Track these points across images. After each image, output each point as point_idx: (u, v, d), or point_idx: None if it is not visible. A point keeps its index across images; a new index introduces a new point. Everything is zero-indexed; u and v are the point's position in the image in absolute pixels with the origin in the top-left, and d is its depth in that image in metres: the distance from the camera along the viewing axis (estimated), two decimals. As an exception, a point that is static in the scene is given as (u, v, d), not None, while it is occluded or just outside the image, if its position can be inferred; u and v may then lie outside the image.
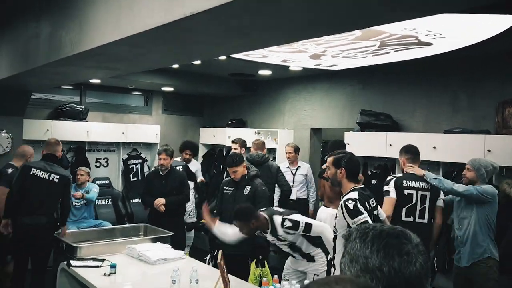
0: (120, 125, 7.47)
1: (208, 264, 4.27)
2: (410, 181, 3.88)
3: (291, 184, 5.95)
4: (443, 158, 4.75)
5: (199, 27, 2.28)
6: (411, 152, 4.07)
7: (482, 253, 3.69)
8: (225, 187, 4.52)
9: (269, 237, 3.55)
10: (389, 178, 4.04)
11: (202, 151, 8.26)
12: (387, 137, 5.27)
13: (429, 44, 4.28)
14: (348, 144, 5.60)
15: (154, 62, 3.82)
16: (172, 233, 4.31)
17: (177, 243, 4.30)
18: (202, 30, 2.37)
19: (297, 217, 3.46)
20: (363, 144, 5.53)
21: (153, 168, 5.99)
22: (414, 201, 3.83)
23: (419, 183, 3.89)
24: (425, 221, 3.83)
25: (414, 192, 3.85)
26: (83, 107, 7.17)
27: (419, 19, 2.96)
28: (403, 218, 3.78)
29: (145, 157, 7.65)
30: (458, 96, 5.29)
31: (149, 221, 4.96)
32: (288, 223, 3.40)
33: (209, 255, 4.48)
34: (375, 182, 5.50)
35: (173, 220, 4.89)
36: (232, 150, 5.87)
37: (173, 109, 8.61)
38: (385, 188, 3.92)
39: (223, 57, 5.24)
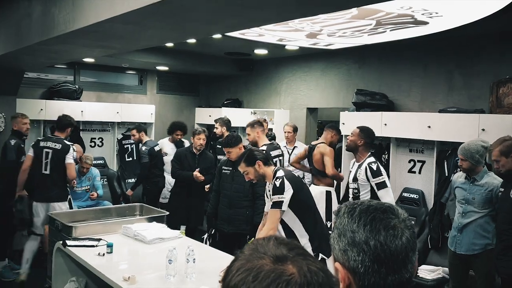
0: (115, 104, 7.42)
1: (206, 243, 4.30)
2: None
3: (286, 163, 5.97)
4: (437, 137, 4.77)
5: (195, 4, 2.25)
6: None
7: (485, 246, 3.51)
8: (223, 167, 4.54)
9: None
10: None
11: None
12: (382, 116, 5.28)
13: (425, 23, 4.25)
14: (343, 123, 5.61)
15: (149, 40, 3.78)
16: (168, 213, 4.36)
17: (194, 214, 5.22)
18: (198, 8, 2.34)
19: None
20: (358, 123, 5.51)
21: (186, 146, 6.13)
22: None
23: None
24: None
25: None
26: (77, 87, 7.10)
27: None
28: None
29: (140, 137, 7.62)
30: (453, 76, 5.28)
31: (173, 196, 5.53)
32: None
33: (206, 234, 4.51)
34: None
35: (200, 196, 5.43)
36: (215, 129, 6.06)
37: (168, 88, 8.55)
38: None
39: (218, 36, 5.18)
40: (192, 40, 5.59)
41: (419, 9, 3.75)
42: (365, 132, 3.96)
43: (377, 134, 5.38)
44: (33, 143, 4.91)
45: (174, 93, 8.62)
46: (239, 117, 7.13)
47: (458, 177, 3.80)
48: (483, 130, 4.30)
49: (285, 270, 0.76)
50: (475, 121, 4.40)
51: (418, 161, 5.19)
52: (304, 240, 3.20)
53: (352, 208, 1.04)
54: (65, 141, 4.81)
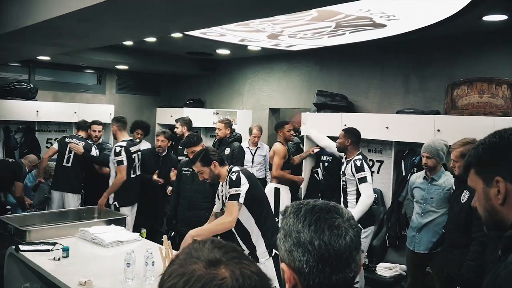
0: (72, 104, 7.20)
1: (165, 245, 4.23)
2: None
3: (250, 164, 5.95)
4: (395, 137, 4.88)
5: (150, 2, 2.21)
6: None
7: (442, 242, 3.50)
8: (183, 168, 4.47)
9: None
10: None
11: (159, 131, 8.11)
12: (342, 117, 5.35)
13: (383, 25, 4.34)
14: (304, 124, 5.66)
15: (104, 38, 3.69)
16: (127, 215, 4.30)
17: (157, 217, 5.25)
18: (153, 5, 2.30)
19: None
20: (319, 124, 5.59)
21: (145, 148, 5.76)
22: None
23: None
24: None
25: None
26: (32, 86, 6.85)
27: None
28: None
29: (99, 137, 7.44)
30: (410, 78, 5.43)
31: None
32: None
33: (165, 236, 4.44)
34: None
35: (160, 197, 5.28)
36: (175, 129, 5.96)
37: (127, 88, 8.38)
38: None
39: (179, 35, 5.12)
40: (152, 39, 5.50)
41: (377, 12, 3.83)
42: (350, 132, 4.28)
43: (337, 135, 5.46)
44: (58, 138, 5.61)
45: (134, 92, 8.46)
46: (202, 117, 7.08)
47: (417, 177, 3.82)
48: (438, 130, 4.43)
49: (217, 275, 0.76)
50: (431, 122, 4.53)
51: (377, 161, 5.29)
52: (257, 236, 3.18)
53: (297, 208, 1.04)
54: (87, 140, 5.45)
